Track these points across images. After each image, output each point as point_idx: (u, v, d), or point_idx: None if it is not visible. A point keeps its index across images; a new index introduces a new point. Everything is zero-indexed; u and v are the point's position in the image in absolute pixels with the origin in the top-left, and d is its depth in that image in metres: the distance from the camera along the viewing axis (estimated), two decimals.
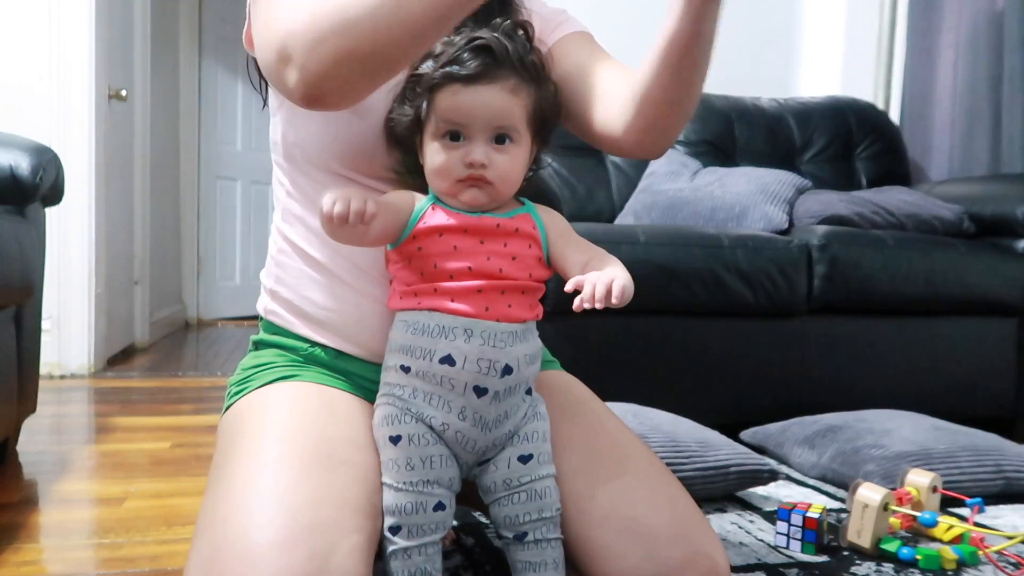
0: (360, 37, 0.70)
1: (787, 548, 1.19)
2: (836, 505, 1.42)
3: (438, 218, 0.81)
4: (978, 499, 1.32)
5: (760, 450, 1.75)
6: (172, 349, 3.44)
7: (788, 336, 1.92)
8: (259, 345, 0.98)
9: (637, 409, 1.57)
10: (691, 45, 0.76)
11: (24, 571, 1.09)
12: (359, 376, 0.91)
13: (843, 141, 2.63)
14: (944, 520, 1.25)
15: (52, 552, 1.17)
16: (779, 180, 2.19)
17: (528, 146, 0.84)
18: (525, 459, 0.83)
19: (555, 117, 0.87)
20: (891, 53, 3.02)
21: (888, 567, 1.14)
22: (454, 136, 0.80)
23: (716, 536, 0.84)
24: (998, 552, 1.17)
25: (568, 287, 0.75)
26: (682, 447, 1.40)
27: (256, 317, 1.01)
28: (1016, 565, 1.15)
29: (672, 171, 2.32)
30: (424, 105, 0.80)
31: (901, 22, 3.00)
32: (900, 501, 1.28)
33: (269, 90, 0.96)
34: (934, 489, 1.33)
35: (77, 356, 2.72)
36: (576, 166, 2.38)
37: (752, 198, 2.13)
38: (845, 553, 1.19)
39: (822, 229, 1.97)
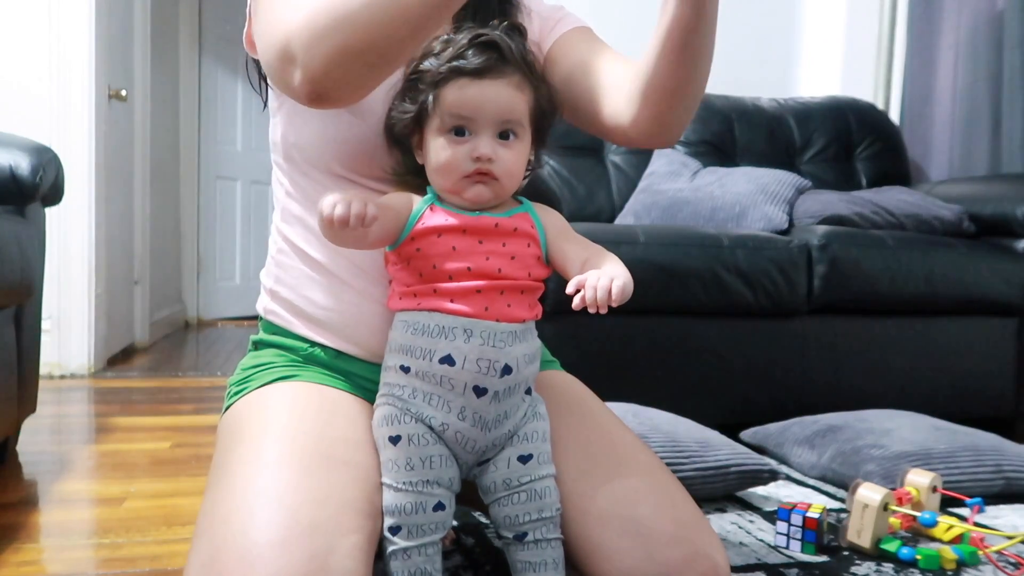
0: (357, 32, 0.70)
1: (787, 548, 1.19)
2: (836, 505, 1.42)
3: (436, 219, 0.81)
4: (978, 499, 1.32)
5: (760, 450, 1.75)
6: (172, 349, 3.44)
7: (788, 336, 1.92)
8: (259, 345, 0.98)
9: (637, 409, 1.57)
10: (692, 30, 0.76)
11: (24, 571, 1.09)
12: (359, 376, 0.91)
13: (843, 141, 2.63)
14: (944, 520, 1.25)
15: (52, 552, 1.17)
16: (779, 180, 2.19)
17: (529, 143, 0.84)
18: (525, 459, 0.83)
19: (552, 116, 0.87)
20: (891, 53, 3.02)
21: (888, 567, 1.14)
22: (459, 131, 0.80)
23: (716, 536, 0.84)
24: (998, 552, 1.17)
25: (569, 288, 0.75)
26: (682, 447, 1.40)
27: (256, 317, 1.01)
28: (1016, 565, 1.15)
29: (672, 171, 2.32)
30: (429, 99, 0.80)
31: (901, 22, 3.00)
32: (900, 501, 1.28)
33: (269, 90, 0.96)
34: (934, 489, 1.33)
35: (77, 356, 2.72)
36: (576, 166, 2.38)
37: (752, 198, 2.13)
38: (845, 553, 1.19)
39: (822, 229, 1.97)
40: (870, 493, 1.19)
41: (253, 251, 4.63)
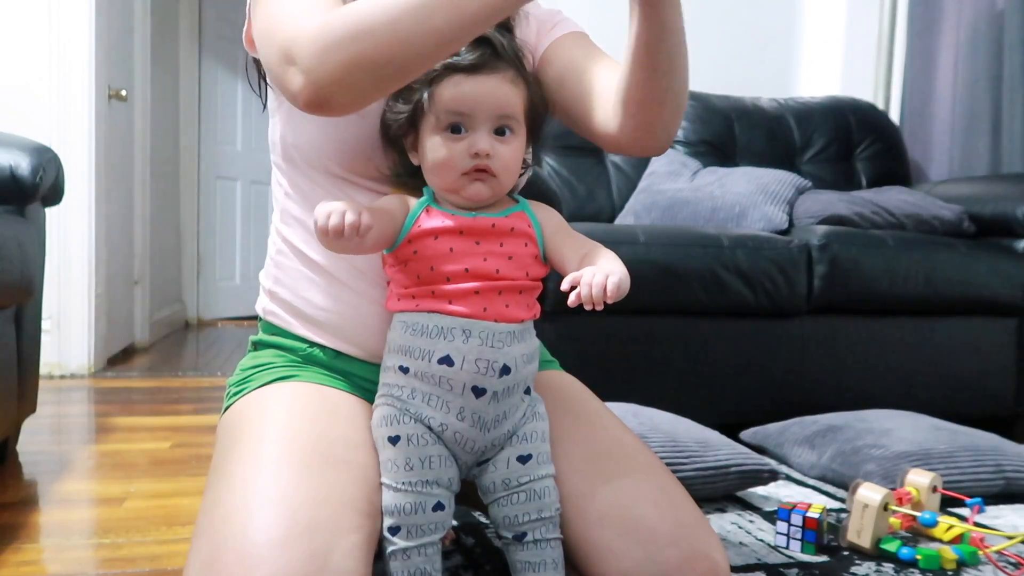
0: (379, 45, 0.69)
1: (787, 548, 1.19)
2: (836, 505, 1.42)
3: (433, 221, 0.81)
4: (978, 499, 1.32)
5: (760, 450, 1.75)
6: (172, 349, 3.44)
7: (788, 336, 1.92)
8: (258, 346, 0.98)
9: (637, 409, 1.57)
10: (655, 41, 0.76)
11: (24, 571, 1.09)
12: (358, 376, 0.91)
13: (843, 141, 2.63)
14: (944, 520, 1.25)
15: (52, 552, 1.17)
16: (779, 180, 2.19)
17: (524, 139, 0.84)
18: (524, 459, 0.83)
19: (545, 113, 0.88)
20: (891, 53, 3.02)
21: (888, 567, 1.14)
22: (456, 128, 0.80)
23: (716, 536, 0.84)
24: (998, 552, 1.17)
25: (564, 286, 0.74)
26: (682, 447, 1.40)
27: (255, 317, 1.01)
28: (1016, 565, 1.15)
29: (672, 171, 2.32)
30: (424, 97, 0.80)
31: (901, 22, 3.00)
32: (900, 501, 1.28)
33: (268, 90, 0.96)
34: (934, 489, 1.33)
35: (77, 356, 2.72)
36: (576, 166, 2.38)
37: (752, 198, 2.13)
38: (845, 553, 1.19)
39: (822, 229, 1.97)
40: (870, 493, 1.19)
41: (253, 251, 4.62)
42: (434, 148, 0.81)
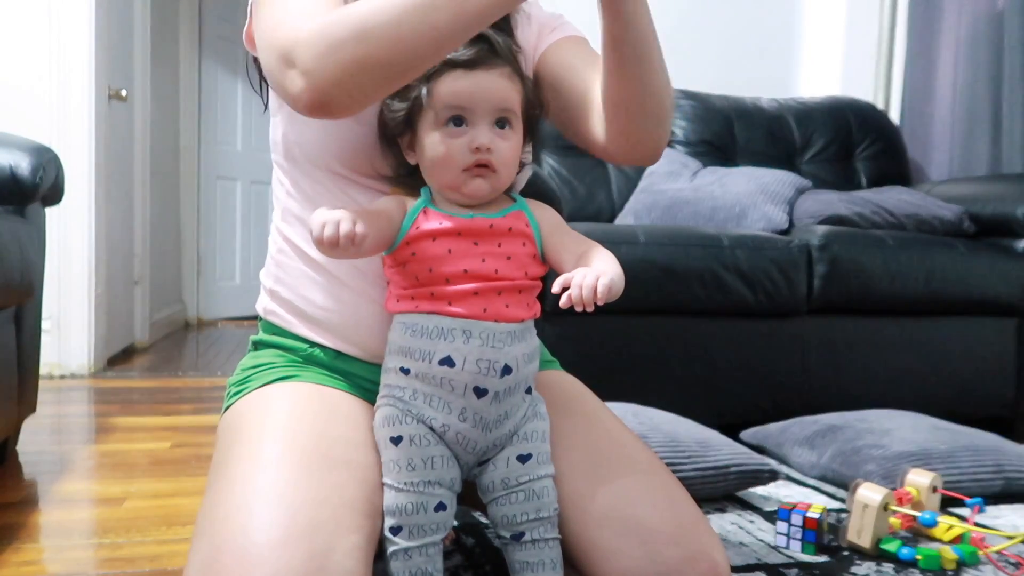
0: (380, 45, 0.70)
1: (787, 548, 1.19)
2: (836, 505, 1.42)
3: (431, 223, 0.81)
4: (978, 499, 1.32)
5: (760, 450, 1.75)
6: (172, 349, 3.44)
7: (788, 336, 1.92)
8: (258, 345, 0.98)
9: (637, 409, 1.57)
10: (621, 45, 0.77)
11: (24, 571, 1.09)
12: (358, 376, 0.91)
13: (843, 141, 2.63)
14: (944, 520, 1.25)
15: (52, 552, 1.17)
16: (779, 180, 2.19)
17: (522, 136, 0.84)
18: (524, 459, 0.83)
19: (541, 110, 0.88)
20: (891, 53, 3.02)
21: (888, 567, 1.14)
22: (457, 122, 0.80)
23: (716, 536, 0.84)
24: (998, 552, 1.17)
25: (555, 288, 0.74)
26: (682, 447, 1.40)
27: (256, 317, 1.01)
28: (1016, 565, 1.15)
29: (672, 171, 2.32)
30: (423, 93, 0.80)
31: (901, 22, 3.00)
32: (900, 501, 1.28)
33: (269, 90, 0.95)
34: (934, 489, 1.33)
35: (77, 356, 2.72)
36: (576, 166, 2.38)
37: (752, 198, 2.13)
38: (845, 553, 1.19)
39: (822, 229, 1.97)
40: (870, 493, 1.19)
41: (253, 251, 4.62)
42: (433, 145, 0.81)
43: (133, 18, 3.24)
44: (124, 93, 2.97)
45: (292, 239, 0.93)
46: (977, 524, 1.27)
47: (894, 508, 1.23)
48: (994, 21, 2.64)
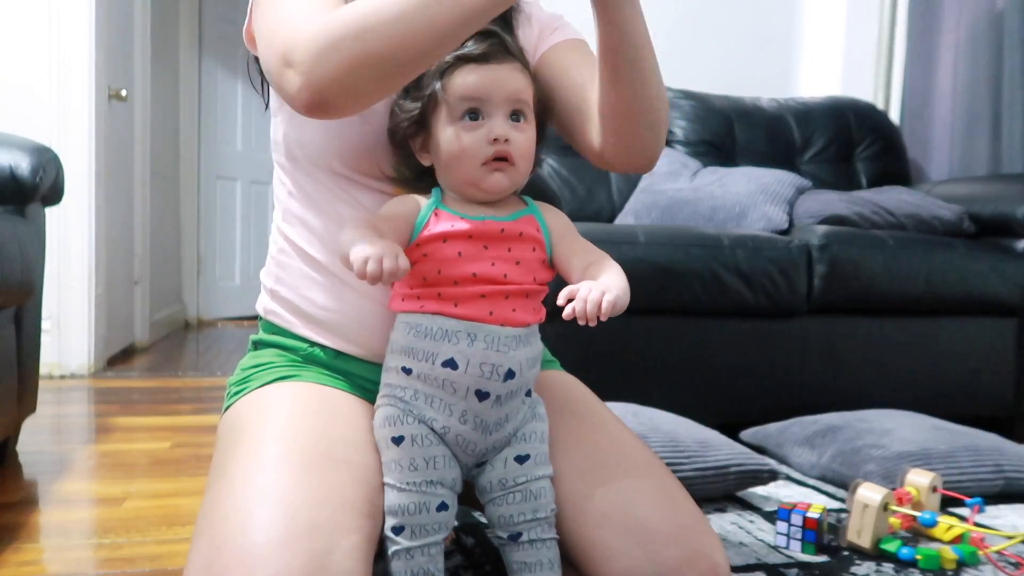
0: (379, 43, 0.70)
1: (787, 548, 1.19)
2: (836, 505, 1.42)
3: (442, 225, 0.80)
4: (978, 499, 1.32)
5: (760, 450, 1.75)
6: (172, 349, 3.44)
7: (788, 336, 1.92)
8: (259, 345, 0.98)
9: (637, 409, 1.57)
10: (615, 53, 0.77)
11: (24, 571, 1.09)
12: (359, 376, 0.91)
13: (843, 141, 2.63)
14: (944, 520, 1.25)
15: (52, 552, 1.17)
16: (779, 180, 2.19)
17: (535, 130, 0.84)
18: (522, 459, 0.83)
19: (550, 109, 0.88)
20: (891, 53, 3.02)
21: (888, 567, 1.14)
22: (472, 116, 0.80)
23: (716, 536, 0.84)
24: (998, 552, 1.17)
25: (560, 300, 0.74)
26: (682, 447, 1.40)
27: (256, 317, 1.01)
28: (1016, 565, 1.15)
29: (672, 171, 2.32)
30: (437, 88, 0.80)
31: (901, 22, 3.00)
32: (900, 501, 1.28)
33: (270, 90, 0.95)
34: (934, 489, 1.33)
35: (77, 356, 2.72)
36: (576, 166, 2.38)
37: (752, 198, 2.13)
38: (845, 553, 1.19)
39: (822, 229, 1.97)
40: (870, 493, 1.19)
41: (253, 251, 4.62)
42: (449, 140, 0.80)
43: (133, 18, 3.23)
44: (124, 93, 2.97)
45: (293, 239, 0.93)
46: (977, 524, 1.27)
47: (894, 508, 1.23)
48: (994, 21, 2.64)
